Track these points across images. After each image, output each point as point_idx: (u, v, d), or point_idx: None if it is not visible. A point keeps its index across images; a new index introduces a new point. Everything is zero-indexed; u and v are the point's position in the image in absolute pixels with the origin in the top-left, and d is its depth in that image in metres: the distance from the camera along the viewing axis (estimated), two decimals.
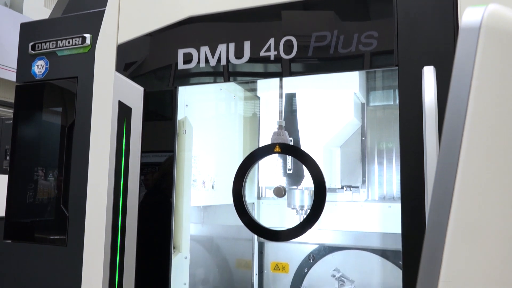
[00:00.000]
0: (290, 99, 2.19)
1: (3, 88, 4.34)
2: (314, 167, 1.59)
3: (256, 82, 2.19)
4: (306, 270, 2.41)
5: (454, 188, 0.55)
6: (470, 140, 0.56)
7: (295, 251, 2.45)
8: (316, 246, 2.40)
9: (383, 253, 2.22)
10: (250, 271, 2.48)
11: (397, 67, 1.34)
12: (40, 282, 1.83)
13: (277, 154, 2.01)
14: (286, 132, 1.70)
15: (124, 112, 1.65)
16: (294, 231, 1.66)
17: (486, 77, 0.59)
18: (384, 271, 2.21)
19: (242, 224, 2.44)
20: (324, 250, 2.38)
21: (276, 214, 2.42)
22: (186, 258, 1.80)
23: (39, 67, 1.87)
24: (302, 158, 1.61)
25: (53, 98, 1.88)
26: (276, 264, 2.47)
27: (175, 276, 1.68)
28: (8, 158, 3.30)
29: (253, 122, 2.48)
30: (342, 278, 2.02)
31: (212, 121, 2.28)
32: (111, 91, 1.66)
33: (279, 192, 1.75)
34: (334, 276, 2.04)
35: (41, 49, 1.84)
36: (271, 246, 2.50)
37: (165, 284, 1.61)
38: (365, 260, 2.27)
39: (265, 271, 2.50)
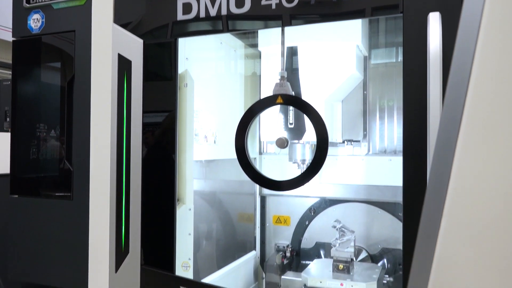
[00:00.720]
0: (292, 52, 2.16)
1: None
2: (316, 118, 1.59)
3: (257, 36, 2.15)
4: (307, 223, 2.46)
5: (458, 139, 0.53)
6: (476, 90, 0.53)
7: (296, 204, 2.50)
8: (317, 199, 2.44)
9: (383, 206, 2.26)
10: (252, 224, 2.53)
11: (401, 14, 1.31)
12: (47, 235, 1.87)
13: (278, 109, 2.01)
14: (289, 83, 1.68)
15: (124, 65, 1.62)
16: (296, 181, 1.68)
17: (495, 24, 0.57)
18: (383, 222, 2.26)
19: (244, 178, 2.47)
20: (325, 203, 2.43)
21: (277, 169, 2.44)
22: (190, 209, 1.83)
23: (35, 21, 1.81)
24: (305, 109, 1.60)
25: (51, 53, 1.85)
26: (278, 217, 2.52)
27: (180, 226, 1.72)
28: (8, 119, 3.28)
29: (254, 80, 2.45)
30: (343, 229, 2.06)
31: (213, 76, 2.26)
32: (109, 44, 1.62)
33: (282, 143, 1.75)
34: (334, 227, 2.08)
35: (36, 2, 1.78)
36: (272, 200, 2.55)
37: (171, 234, 1.64)
38: (365, 212, 2.31)
39: (267, 224, 2.55)
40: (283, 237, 2.50)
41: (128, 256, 1.62)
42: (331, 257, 2.06)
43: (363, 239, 2.30)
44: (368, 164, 2.30)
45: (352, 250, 2.05)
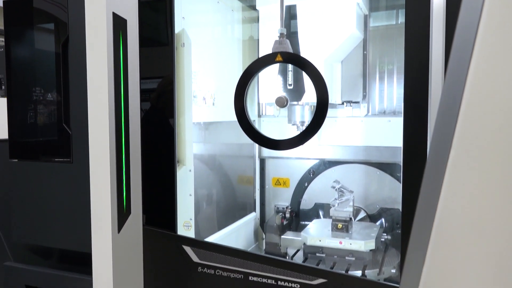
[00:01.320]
0: (290, 16, 2.12)
1: None
2: (316, 76, 1.57)
3: None
4: (306, 184, 2.48)
5: (463, 98, 0.52)
6: (483, 48, 0.51)
7: (296, 166, 2.52)
8: (316, 161, 2.45)
9: (381, 166, 2.27)
10: (252, 187, 2.56)
11: None
12: (49, 198, 1.89)
13: (277, 71, 1.98)
14: (288, 41, 1.64)
15: (119, 24, 1.58)
16: (295, 140, 1.68)
17: None
18: (382, 183, 2.29)
19: (243, 141, 2.51)
20: (324, 165, 2.44)
21: (276, 131, 2.44)
22: (190, 171, 1.84)
23: None
24: (305, 67, 1.57)
25: (44, 14, 1.80)
26: (277, 180, 2.54)
27: (180, 187, 1.74)
28: (3, 87, 3.25)
29: (252, 44, 2.42)
30: (342, 189, 2.09)
31: (210, 37, 2.21)
32: (103, 2, 1.57)
33: (281, 102, 1.74)
34: (333, 187, 2.10)
35: None
36: (272, 163, 2.56)
37: (172, 195, 1.65)
38: (363, 173, 2.33)
39: (267, 186, 2.58)
40: (283, 199, 2.54)
41: (130, 216, 1.64)
42: (330, 217, 2.10)
43: (361, 199, 2.33)
44: (367, 125, 2.30)
45: (351, 209, 2.08)
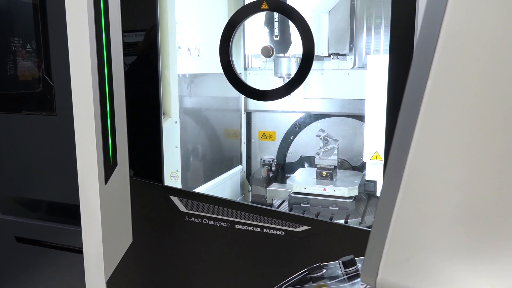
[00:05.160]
0: None
1: None
2: (303, 25, 1.56)
3: None
4: (292, 138, 2.53)
5: (437, 46, 0.53)
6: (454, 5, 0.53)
7: (282, 120, 2.55)
8: (302, 114, 2.48)
9: None
10: (238, 140, 2.59)
11: None
12: (34, 151, 1.88)
13: (263, 22, 1.96)
14: None
15: None
16: (282, 90, 1.69)
17: None
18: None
19: (229, 94, 2.52)
20: (310, 118, 2.47)
21: (263, 84, 2.43)
22: (176, 123, 1.85)
23: None
24: (291, 16, 1.56)
25: None
26: (264, 133, 2.58)
27: (166, 139, 1.75)
28: None
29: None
30: (327, 138, 2.14)
31: None
32: None
33: (267, 51, 1.73)
34: (318, 136, 2.15)
35: None
36: (258, 116, 2.59)
37: (158, 146, 1.67)
38: (349, 126, 2.38)
39: (253, 140, 2.61)
40: (269, 152, 2.58)
41: (116, 168, 1.66)
42: (316, 166, 2.16)
43: (346, 152, 2.40)
44: (353, 78, 2.31)
45: (336, 158, 2.15)
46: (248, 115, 2.59)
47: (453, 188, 0.53)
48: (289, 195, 2.12)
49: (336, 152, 2.16)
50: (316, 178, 2.15)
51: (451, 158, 0.54)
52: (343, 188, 2.04)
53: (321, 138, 2.15)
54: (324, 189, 2.05)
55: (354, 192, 2.05)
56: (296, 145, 2.52)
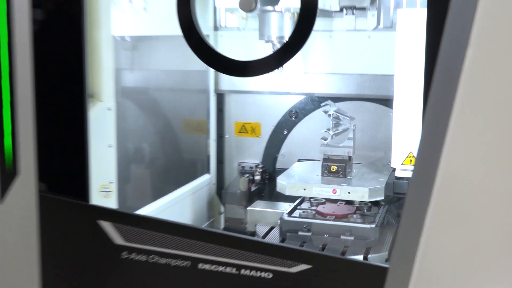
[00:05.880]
0: None
1: None
2: None
3: None
4: (285, 132, 2.50)
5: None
6: None
7: (270, 106, 2.51)
8: (301, 98, 2.46)
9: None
10: (204, 136, 2.56)
11: None
12: None
13: None
14: None
15: None
16: (270, 60, 1.71)
17: None
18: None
19: (191, 67, 2.50)
20: (312, 103, 2.45)
21: (242, 52, 2.43)
22: (110, 109, 1.83)
23: None
24: None
25: None
26: (243, 125, 2.55)
27: (95, 135, 1.71)
28: None
29: None
30: (338, 115, 2.18)
31: None
32: None
33: (247, 4, 1.74)
34: (326, 112, 2.19)
35: None
36: (235, 100, 2.55)
37: (80, 146, 1.64)
38: (369, 113, 2.39)
39: (227, 136, 2.58)
40: (251, 154, 2.56)
41: (17, 178, 1.63)
42: (323, 158, 2.21)
43: (365, 152, 2.42)
44: (376, 44, 2.32)
45: (351, 144, 2.18)
46: (220, 98, 2.55)
47: None
48: (281, 218, 2.12)
49: (351, 135, 2.19)
50: (322, 175, 2.17)
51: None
52: (362, 189, 2.07)
53: (329, 115, 2.18)
54: (334, 191, 2.08)
55: (378, 194, 2.09)
56: (292, 143, 2.49)
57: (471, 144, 0.68)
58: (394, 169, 2.24)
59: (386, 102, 2.35)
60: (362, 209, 2.19)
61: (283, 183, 2.17)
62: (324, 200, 2.23)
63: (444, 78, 0.65)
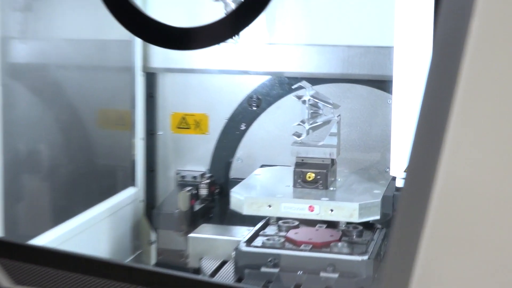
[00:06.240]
0: None
1: None
2: None
3: None
4: (243, 127, 2.54)
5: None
6: None
7: (222, 89, 2.55)
8: (266, 78, 2.50)
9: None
10: (128, 133, 2.59)
11: None
12: None
13: None
14: None
15: None
16: (221, 26, 1.70)
17: None
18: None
19: (109, 36, 2.48)
20: (281, 86, 2.48)
21: (181, 13, 2.45)
22: None
23: None
24: None
25: None
26: (183, 118, 2.59)
27: None
28: None
29: None
30: (316, 102, 2.20)
31: None
32: None
33: None
34: (300, 98, 2.20)
35: None
36: (171, 81, 2.59)
37: None
38: (360, 100, 2.44)
39: (160, 133, 2.62)
40: (194, 158, 2.60)
41: None
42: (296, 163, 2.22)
43: (354, 155, 2.47)
44: (370, 3, 2.37)
45: (335, 142, 2.21)
46: (151, 80, 2.59)
47: None
48: (237, 248, 2.13)
49: (335, 130, 2.21)
50: (294, 186, 2.21)
51: None
52: (350, 206, 2.09)
53: (303, 102, 2.20)
54: (311, 208, 2.10)
55: (373, 212, 2.12)
56: (252, 143, 2.54)
57: (481, 144, 0.72)
58: (394, 178, 2.27)
59: (383, 84, 2.40)
60: (350, 235, 2.19)
61: (239, 199, 2.17)
62: (297, 223, 2.23)
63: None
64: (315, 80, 2.39)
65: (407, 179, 0.77)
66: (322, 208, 2.10)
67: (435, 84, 0.76)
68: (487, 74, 0.71)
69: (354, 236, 2.19)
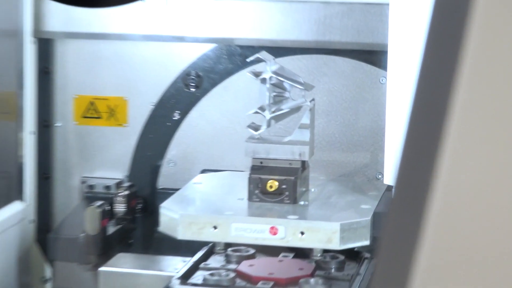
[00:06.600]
0: None
1: None
2: None
3: None
4: (176, 116, 2.54)
5: None
6: None
7: (145, 63, 2.56)
8: (208, 48, 2.51)
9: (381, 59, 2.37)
10: (13, 124, 2.59)
11: None
12: None
13: None
14: None
15: None
16: None
17: None
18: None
19: None
20: (230, 59, 2.50)
21: None
22: None
23: None
24: None
25: None
26: (91, 102, 2.58)
27: None
28: None
29: None
30: (281, 82, 2.20)
31: None
32: None
33: None
34: (258, 76, 2.20)
35: None
36: (76, 52, 2.59)
37: None
38: (342, 77, 2.46)
39: (59, 124, 2.60)
40: (107, 160, 2.60)
41: None
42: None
43: (337, 148, 2.49)
44: None
45: (307, 137, 2.20)
46: (45, 48, 2.59)
47: None
48: (168, 287, 2.13)
49: (307, 120, 2.21)
50: (250, 200, 2.21)
51: None
52: (328, 226, 2.08)
53: (263, 81, 2.20)
54: (273, 230, 2.09)
55: (360, 236, 2.10)
56: (191, 139, 2.57)
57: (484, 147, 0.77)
58: (389, 188, 2.29)
59: (373, 57, 2.44)
60: (327, 267, 2.20)
61: (172, 217, 2.15)
62: (252, 251, 2.24)
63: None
64: (278, 51, 2.41)
65: (396, 194, 0.80)
66: (289, 231, 2.09)
67: (429, 74, 0.79)
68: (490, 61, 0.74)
69: (333, 270, 2.19)
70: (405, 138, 0.78)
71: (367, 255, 2.27)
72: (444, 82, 0.77)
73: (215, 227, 2.11)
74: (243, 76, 2.50)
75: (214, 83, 2.56)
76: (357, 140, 2.50)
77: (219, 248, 2.26)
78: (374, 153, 2.47)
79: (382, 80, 2.38)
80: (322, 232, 2.08)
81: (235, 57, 2.53)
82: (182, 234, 2.15)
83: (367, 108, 2.49)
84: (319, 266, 2.20)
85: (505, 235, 0.75)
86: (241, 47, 2.52)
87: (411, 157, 0.80)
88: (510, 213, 0.76)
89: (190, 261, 2.25)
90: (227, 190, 2.36)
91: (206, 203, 2.32)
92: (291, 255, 2.24)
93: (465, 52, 0.75)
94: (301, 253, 2.23)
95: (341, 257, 2.21)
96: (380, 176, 2.42)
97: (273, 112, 2.21)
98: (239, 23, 2.49)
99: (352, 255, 2.25)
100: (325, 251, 2.20)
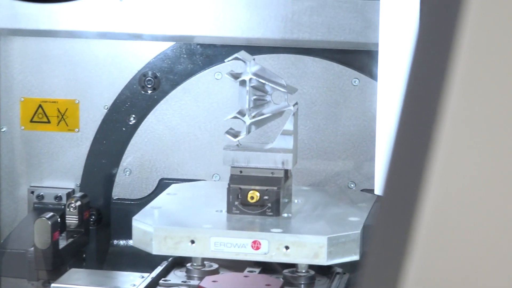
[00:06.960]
0: None
1: None
2: None
3: None
4: (133, 120, 2.50)
5: None
6: None
7: (101, 62, 2.50)
8: (167, 45, 2.47)
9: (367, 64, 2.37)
10: None
11: None
12: None
13: None
14: None
15: None
16: None
17: None
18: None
19: None
20: (189, 58, 2.45)
21: None
22: None
23: None
24: None
25: None
26: (40, 106, 2.52)
27: None
28: None
29: None
30: (262, 84, 2.18)
31: None
32: None
33: None
34: (237, 78, 2.18)
35: None
36: (22, 50, 2.52)
37: None
38: (331, 79, 2.44)
39: (3, 129, 2.54)
40: (57, 168, 2.55)
41: None
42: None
43: (322, 155, 2.47)
44: None
45: (290, 144, 2.17)
46: None
47: None
48: None
49: (290, 125, 2.18)
50: (229, 211, 2.19)
51: None
52: (314, 239, 2.05)
53: (242, 84, 2.18)
54: (255, 244, 2.05)
55: (349, 250, 2.07)
56: (149, 144, 2.53)
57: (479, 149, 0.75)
58: (379, 199, 2.23)
59: (346, 57, 2.45)
60: (297, 283, 2.16)
61: (146, 231, 2.14)
62: (215, 266, 2.21)
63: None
64: (258, 49, 2.44)
65: (383, 204, 0.81)
66: (272, 245, 2.07)
67: (419, 76, 0.77)
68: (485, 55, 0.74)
69: (302, 286, 2.15)
70: (393, 144, 0.77)
71: (338, 270, 2.22)
72: (434, 85, 0.75)
73: (192, 242, 2.10)
74: (204, 77, 2.50)
75: (173, 85, 2.53)
76: (327, 147, 2.50)
77: (195, 264, 2.22)
78: (346, 160, 2.47)
79: (355, 82, 2.39)
80: (308, 247, 2.07)
81: (195, 56, 2.51)
82: (157, 249, 2.13)
83: (339, 112, 2.48)
84: (287, 282, 2.14)
85: (496, 249, 0.74)
86: (202, 45, 2.51)
87: (399, 165, 0.79)
88: (501, 226, 0.74)
89: (148, 276, 2.21)
90: (204, 202, 2.35)
91: (182, 215, 2.30)
92: (258, 270, 2.18)
93: (456, 51, 0.74)
94: (267, 268, 2.19)
95: (311, 272, 2.16)
96: (352, 185, 2.43)
97: (254, 117, 2.21)
98: (199, 19, 2.46)
99: (323, 269, 2.20)
100: (293, 266, 2.17)
